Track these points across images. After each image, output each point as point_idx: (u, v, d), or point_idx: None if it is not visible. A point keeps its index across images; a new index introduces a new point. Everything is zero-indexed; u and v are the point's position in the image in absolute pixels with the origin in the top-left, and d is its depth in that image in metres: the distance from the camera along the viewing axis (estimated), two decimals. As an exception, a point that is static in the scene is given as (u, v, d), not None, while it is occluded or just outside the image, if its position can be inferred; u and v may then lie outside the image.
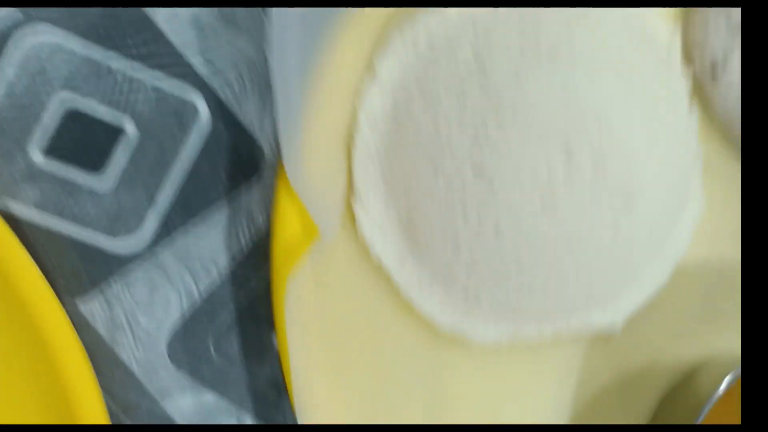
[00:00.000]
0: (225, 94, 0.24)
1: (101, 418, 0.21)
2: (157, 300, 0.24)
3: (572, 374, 0.25)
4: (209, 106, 0.24)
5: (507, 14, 0.23)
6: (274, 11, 0.18)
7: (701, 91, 0.25)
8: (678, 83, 0.25)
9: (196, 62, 0.24)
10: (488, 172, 0.22)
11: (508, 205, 0.22)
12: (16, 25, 0.22)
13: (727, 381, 0.23)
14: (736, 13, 0.24)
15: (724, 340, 0.26)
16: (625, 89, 0.23)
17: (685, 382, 0.26)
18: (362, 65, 0.23)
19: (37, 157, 0.23)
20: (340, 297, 0.22)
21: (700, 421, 0.23)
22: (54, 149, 0.23)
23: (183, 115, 0.24)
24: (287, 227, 0.21)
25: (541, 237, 0.22)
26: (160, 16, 0.23)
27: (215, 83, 0.24)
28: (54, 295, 0.21)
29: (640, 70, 0.23)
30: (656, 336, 0.26)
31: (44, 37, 0.23)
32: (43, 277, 0.21)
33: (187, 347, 0.24)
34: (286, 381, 0.21)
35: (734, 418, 0.24)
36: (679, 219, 0.25)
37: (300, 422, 0.21)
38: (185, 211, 0.24)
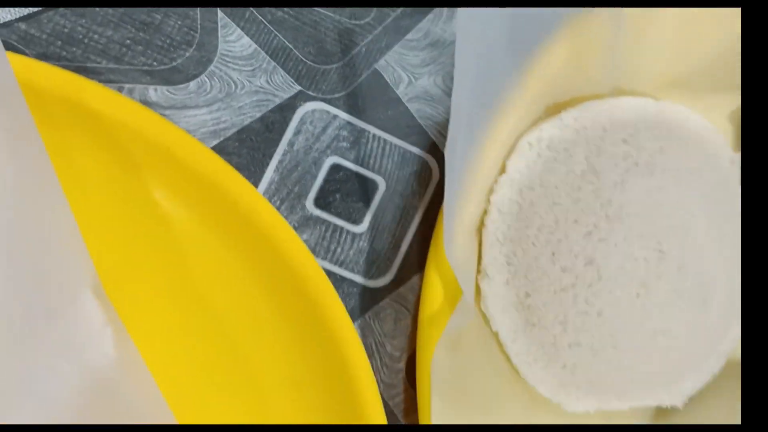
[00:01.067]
0: None
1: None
2: (399, 330, 0.28)
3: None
4: (441, 168, 0.29)
5: (615, 131, 0.27)
6: (452, 122, 0.23)
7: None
8: (736, 200, 0.29)
9: (431, 131, 0.29)
10: (597, 263, 0.26)
11: (611, 292, 0.26)
12: (297, 101, 0.27)
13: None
14: None
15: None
16: (704, 204, 0.28)
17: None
18: (496, 167, 0.27)
19: (311, 207, 0.27)
20: (468, 359, 0.26)
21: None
22: (323, 201, 0.28)
23: (421, 173, 0.29)
24: (435, 296, 0.25)
25: (633, 322, 0.26)
26: (404, 94, 0.28)
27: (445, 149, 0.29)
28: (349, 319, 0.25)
29: (711, 186, 0.28)
30: (705, 418, 0.30)
31: (317, 108, 0.28)
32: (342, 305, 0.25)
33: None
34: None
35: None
36: (735, 318, 0.29)
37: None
38: (421, 254, 0.28)
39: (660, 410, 0.29)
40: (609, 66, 0.28)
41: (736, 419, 0.30)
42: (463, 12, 0.23)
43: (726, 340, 0.29)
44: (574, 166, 0.27)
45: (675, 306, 0.27)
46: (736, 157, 0.30)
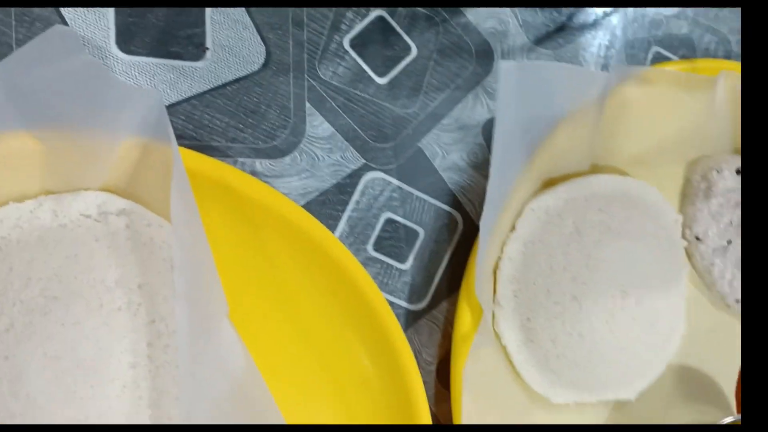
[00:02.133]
0: (473, 214, 0.38)
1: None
2: (432, 342, 0.37)
3: (601, 423, 0.40)
4: (464, 221, 0.38)
5: (594, 202, 0.37)
6: (487, 200, 0.32)
7: (688, 252, 0.41)
8: (679, 249, 0.40)
9: (458, 194, 0.38)
10: (579, 299, 0.36)
11: (589, 320, 0.36)
12: (362, 171, 0.36)
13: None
14: (715, 205, 0.40)
15: (688, 415, 0.41)
16: (655, 256, 0.38)
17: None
18: (509, 227, 0.37)
19: (371, 250, 0.36)
20: (486, 367, 0.36)
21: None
22: (379, 246, 0.36)
23: (449, 225, 0.38)
24: (465, 321, 0.35)
25: (603, 342, 0.36)
26: (439, 165, 0.37)
27: (467, 207, 0.38)
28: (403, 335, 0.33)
29: (661, 242, 0.39)
30: (650, 408, 0.41)
31: (376, 176, 0.36)
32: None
33: (447, 370, 0.36)
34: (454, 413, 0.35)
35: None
36: (673, 335, 0.40)
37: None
38: (449, 285, 0.38)
39: (618, 402, 0.39)
40: (591, 149, 0.38)
41: (670, 408, 0.41)
42: (498, 123, 0.33)
43: (667, 351, 0.40)
44: (564, 228, 0.37)
45: (632, 328, 0.37)
46: (679, 217, 0.40)
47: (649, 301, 0.37)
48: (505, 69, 0.33)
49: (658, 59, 0.42)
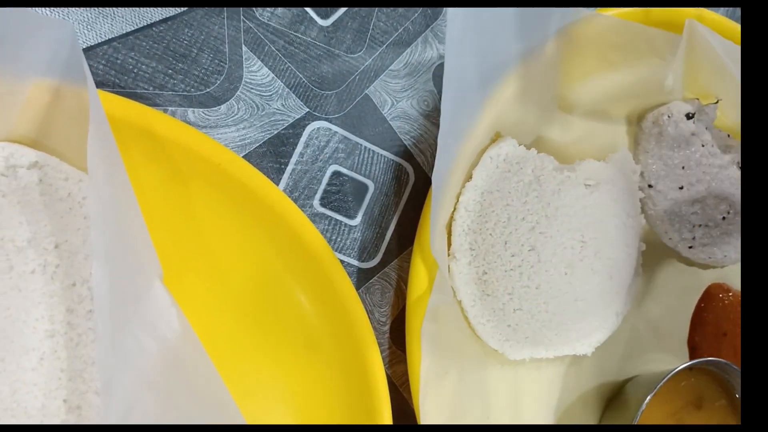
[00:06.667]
0: (424, 165, 0.36)
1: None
2: (384, 301, 0.35)
3: (559, 380, 0.39)
4: (415, 172, 0.36)
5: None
6: (438, 153, 0.30)
7: (642, 202, 0.40)
8: (636, 199, 0.39)
9: (408, 144, 0.36)
10: (537, 250, 0.35)
11: (547, 271, 0.35)
12: (305, 120, 0.33)
13: (649, 396, 0.36)
14: (666, 149, 0.39)
15: (643, 365, 0.41)
16: (614, 205, 0.37)
17: (621, 391, 0.40)
18: (463, 177, 0.35)
19: (317, 206, 0.34)
20: (442, 325, 0.34)
21: (637, 419, 0.36)
22: (326, 200, 0.34)
23: (400, 177, 0.36)
24: (420, 281, 0.33)
25: (561, 292, 0.35)
26: (387, 114, 0.35)
27: (418, 158, 0.36)
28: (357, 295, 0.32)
29: (621, 191, 0.37)
30: (606, 363, 0.40)
31: (320, 126, 0.34)
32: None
33: (401, 330, 0.35)
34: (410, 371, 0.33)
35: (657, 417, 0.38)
36: (629, 287, 0.39)
37: (419, 401, 0.32)
38: (400, 241, 0.36)
39: (575, 357, 0.39)
40: (544, 95, 0.36)
41: (625, 361, 0.40)
42: (449, 63, 0.30)
43: (623, 304, 0.39)
44: (524, 177, 0.35)
45: (590, 280, 0.36)
46: (638, 168, 0.39)
47: (607, 252, 0.36)
48: (452, 15, 0.31)
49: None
